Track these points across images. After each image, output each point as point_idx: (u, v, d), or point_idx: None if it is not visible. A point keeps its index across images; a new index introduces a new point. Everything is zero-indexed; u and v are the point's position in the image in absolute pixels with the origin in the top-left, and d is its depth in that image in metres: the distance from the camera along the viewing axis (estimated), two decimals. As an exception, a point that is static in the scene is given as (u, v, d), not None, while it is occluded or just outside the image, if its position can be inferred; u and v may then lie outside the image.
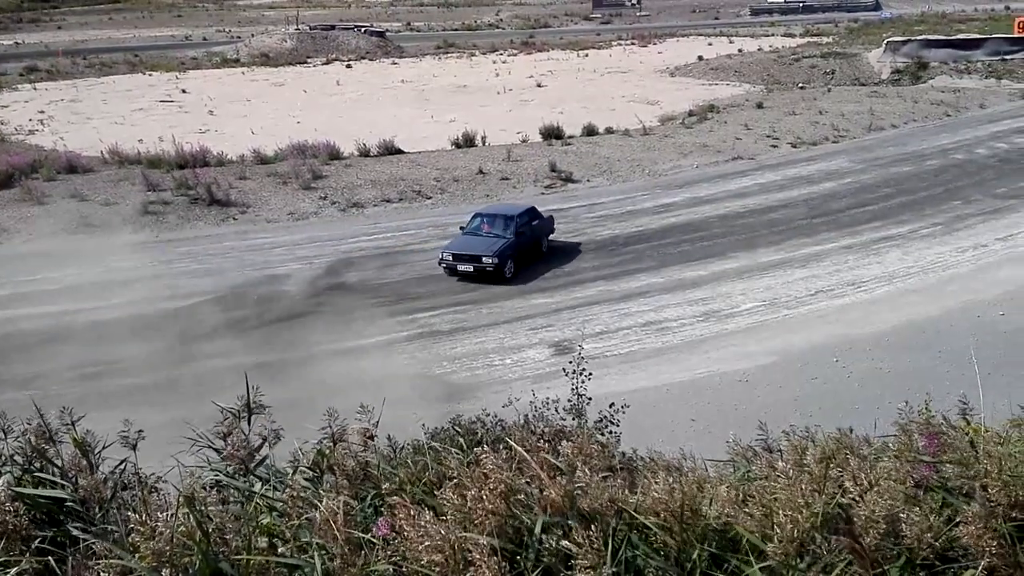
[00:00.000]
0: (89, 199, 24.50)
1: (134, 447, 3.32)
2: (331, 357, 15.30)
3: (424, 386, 14.17)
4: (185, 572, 2.28)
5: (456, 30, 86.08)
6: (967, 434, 2.57)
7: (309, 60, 63.19)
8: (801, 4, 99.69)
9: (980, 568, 2.07)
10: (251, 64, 61.21)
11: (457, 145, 31.29)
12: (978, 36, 53.13)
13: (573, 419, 6.18)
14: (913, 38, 53.08)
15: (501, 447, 2.87)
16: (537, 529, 2.30)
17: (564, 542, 2.24)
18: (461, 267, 18.94)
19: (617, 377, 13.88)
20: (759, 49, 59.81)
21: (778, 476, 2.40)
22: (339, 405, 3.39)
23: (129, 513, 2.50)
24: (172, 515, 2.44)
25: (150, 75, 55.21)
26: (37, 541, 2.55)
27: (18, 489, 2.74)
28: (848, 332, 15.72)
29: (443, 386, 14.21)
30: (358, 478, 2.73)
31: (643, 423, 10.25)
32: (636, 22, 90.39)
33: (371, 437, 3.12)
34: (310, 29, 74.47)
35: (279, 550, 2.42)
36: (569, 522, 2.32)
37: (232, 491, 2.99)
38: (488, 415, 5.84)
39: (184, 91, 47.24)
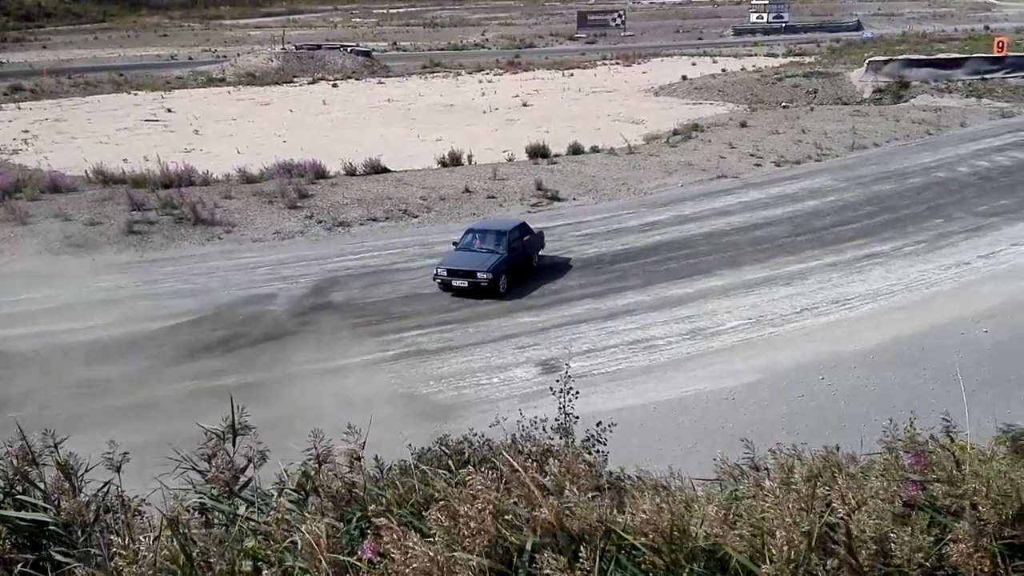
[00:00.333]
0: (73, 219, 24.37)
1: (118, 469, 3.28)
2: (317, 377, 15.22)
3: (411, 406, 14.12)
4: (168, 597, 2.26)
5: (442, 50, 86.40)
6: (952, 452, 2.58)
7: (295, 80, 63.25)
8: (783, 24, 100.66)
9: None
10: (237, 83, 61.20)
11: (443, 164, 31.34)
12: (958, 56, 53.81)
13: (560, 438, 6.16)
14: (894, 58, 53.70)
15: (488, 467, 2.85)
16: (528, 548, 2.29)
17: (553, 563, 2.22)
18: (456, 282, 19.02)
19: (604, 395, 13.88)
20: (742, 69, 60.34)
21: (766, 495, 2.40)
22: (325, 425, 3.37)
23: (112, 537, 2.47)
24: (155, 539, 2.41)
25: (135, 94, 55.11)
26: (19, 565, 2.52)
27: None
28: (833, 349, 15.78)
29: (430, 406, 14.17)
30: (344, 500, 2.71)
31: (630, 441, 10.24)
32: (620, 42, 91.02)
33: (357, 458, 3.09)
34: (296, 49, 74.59)
35: (263, 574, 2.40)
36: (559, 543, 2.31)
37: (216, 514, 2.96)
38: (475, 435, 5.82)
39: (169, 110, 47.16)
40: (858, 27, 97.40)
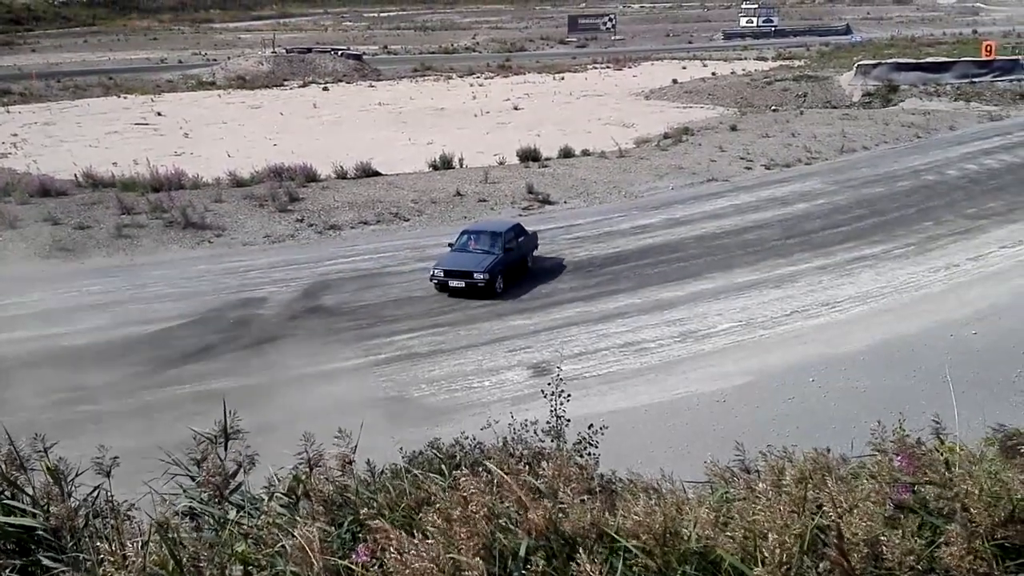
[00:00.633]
0: (62, 223, 24.25)
1: (108, 474, 3.27)
2: (308, 380, 15.19)
3: (402, 409, 14.10)
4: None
5: (433, 53, 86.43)
6: (943, 454, 2.59)
7: (286, 83, 63.15)
8: (773, 28, 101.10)
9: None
10: (227, 87, 61.07)
11: (435, 167, 31.32)
12: (947, 59, 54.11)
13: (552, 441, 6.17)
14: (883, 61, 53.95)
15: (481, 470, 2.85)
16: (522, 552, 2.28)
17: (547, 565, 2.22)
18: (453, 283, 19.11)
19: (596, 398, 13.88)
20: (732, 73, 60.53)
21: (757, 497, 2.40)
22: (316, 429, 3.36)
23: (100, 542, 2.45)
24: (144, 544, 2.40)
25: (125, 98, 54.92)
26: (8, 570, 2.50)
27: (-14, 518, 2.69)
28: (824, 352, 15.83)
29: (421, 409, 14.14)
30: (335, 504, 2.70)
31: (621, 444, 10.25)
32: (611, 46, 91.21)
33: (349, 462, 3.09)
34: (287, 52, 74.45)
35: (255, 578, 2.39)
36: (552, 545, 2.30)
37: (207, 518, 2.95)
38: (467, 438, 5.81)
39: (159, 114, 47.01)
40: (847, 31, 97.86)
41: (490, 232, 20.66)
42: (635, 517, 2.33)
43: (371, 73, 68.26)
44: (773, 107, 46.42)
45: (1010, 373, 14.32)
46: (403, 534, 2.28)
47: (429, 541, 2.23)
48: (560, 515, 2.39)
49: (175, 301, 19.17)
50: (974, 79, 49.47)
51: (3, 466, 3.10)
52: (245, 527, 2.71)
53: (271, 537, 2.48)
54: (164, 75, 67.64)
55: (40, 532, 2.75)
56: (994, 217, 24.31)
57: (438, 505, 2.44)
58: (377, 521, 2.39)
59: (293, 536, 2.37)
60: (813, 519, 2.26)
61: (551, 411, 7.02)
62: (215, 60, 74.69)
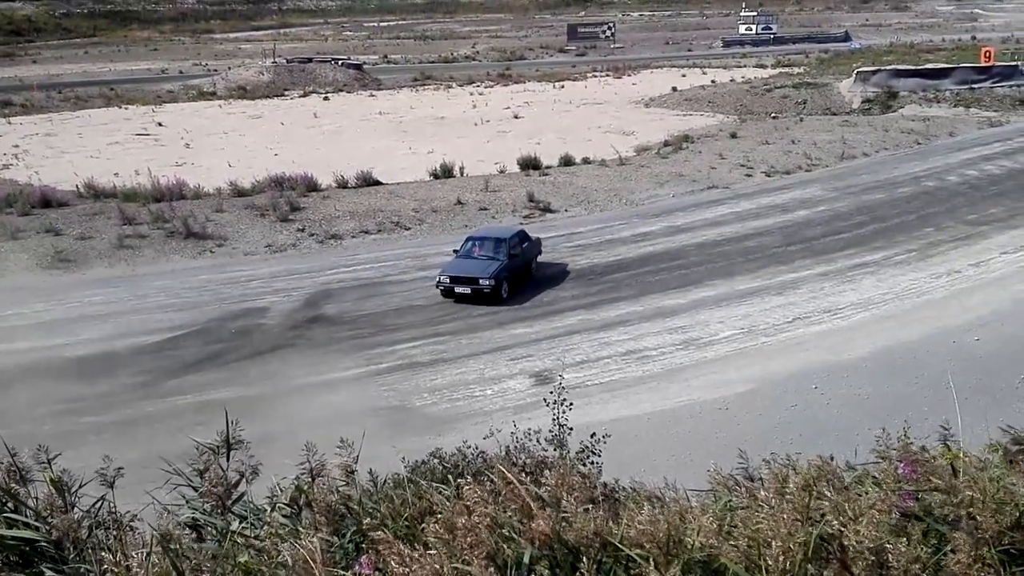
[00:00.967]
0: (64, 233, 24.28)
1: (111, 485, 3.26)
2: (310, 390, 15.18)
3: (404, 418, 14.08)
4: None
5: (433, 62, 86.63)
6: (949, 461, 2.58)
7: (286, 93, 63.28)
8: (772, 36, 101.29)
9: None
10: (228, 97, 61.19)
11: (435, 176, 31.36)
12: (946, 66, 54.19)
13: (555, 450, 6.15)
14: (883, 68, 54.05)
15: (483, 480, 2.84)
16: (526, 559, 2.28)
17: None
18: (459, 289, 19.19)
19: (598, 407, 13.86)
20: (732, 80, 60.64)
21: (760, 505, 2.39)
22: (318, 439, 3.36)
23: (103, 553, 2.45)
24: (147, 555, 2.39)
25: (126, 108, 55.04)
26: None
27: (-12, 531, 2.68)
28: (826, 359, 15.81)
29: (423, 418, 14.13)
30: (338, 514, 2.69)
31: (624, 452, 10.23)
32: (611, 54, 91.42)
33: (351, 471, 3.08)
34: (287, 62, 74.65)
35: (258, 589, 2.38)
36: (556, 555, 2.30)
37: (209, 529, 2.94)
38: (469, 447, 5.80)
39: (160, 124, 47.11)
40: (846, 38, 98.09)
41: (495, 238, 20.75)
42: (638, 526, 2.32)
43: (371, 82, 68.42)
44: (773, 114, 46.48)
45: (1013, 379, 14.30)
46: (406, 545, 2.27)
47: (432, 552, 2.22)
48: (563, 524, 2.38)
49: (177, 311, 19.18)
50: (973, 85, 49.54)
51: (4, 478, 3.09)
52: (248, 538, 2.70)
53: (274, 548, 2.48)
54: (165, 86, 67.83)
55: (43, 544, 2.74)
56: (995, 223, 24.31)
57: (441, 515, 2.43)
58: (380, 532, 2.38)
59: (295, 547, 2.36)
60: (817, 527, 2.25)
61: (553, 420, 6.99)
62: (216, 70, 74.88)
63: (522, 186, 29.21)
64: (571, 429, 6.96)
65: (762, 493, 2.54)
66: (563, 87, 62.40)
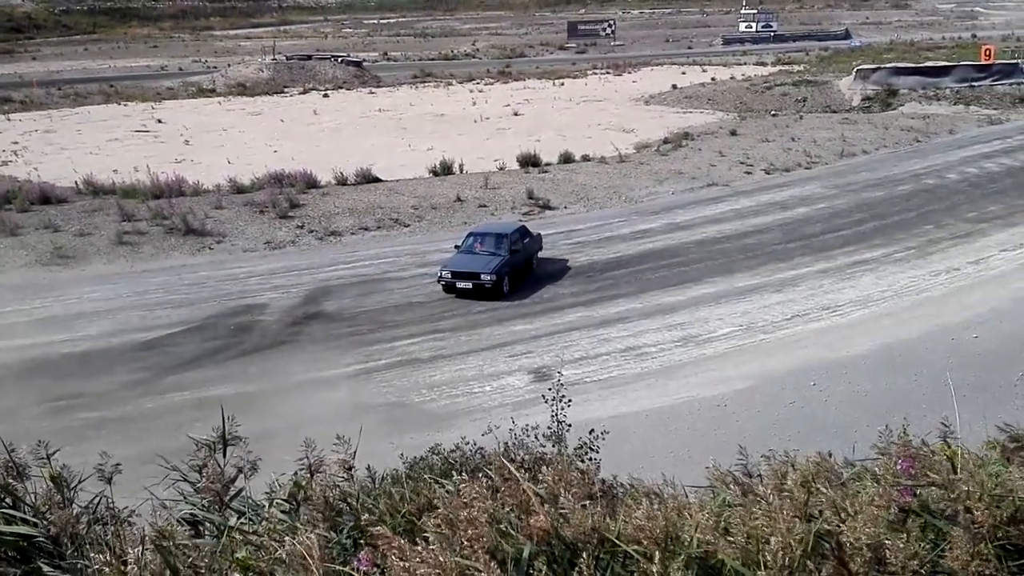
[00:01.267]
0: (63, 230, 24.28)
1: (109, 481, 3.26)
2: (309, 387, 15.19)
3: (403, 415, 14.09)
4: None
5: (433, 60, 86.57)
6: (948, 457, 2.58)
7: (286, 90, 63.25)
8: (772, 34, 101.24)
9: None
10: (227, 94, 61.15)
11: (435, 173, 31.36)
12: (946, 63, 54.17)
13: (553, 446, 6.16)
14: (882, 66, 54.02)
15: (481, 476, 2.84)
16: (526, 555, 2.28)
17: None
18: (460, 284, 19.24)
19: (596, 403, 13.87)
20: (732, 78, 60.59)
21: (759, 502, 2.39)
22: (317, 435, 3.35)
23: (92, 553, 2.45)
24: (142, 551, 2.39)
25: (125, 105, 54.99)
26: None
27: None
28: (825, 356, 15.82)
29: (422, 415, 14.13)
30: (336, 510, 2.69)
31: (622, 449, 10.24)
32: (611, 51, 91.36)
33: (349, 468, 3.08)
34: (287, 59, 74.59)
35: (255, 585, 2.38)
36: (554, 551, 2.30)
37: (207, 525, 2.94)
38: (467, 443, 5.81)
39: (160, 121, 47.08)
40: (846, 36, 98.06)
41: (496, 234, 20.79)
42: (636, 522, 2.32)
43: (371, 79, 68.38)
44: (773, 112, 46.47)
45: (1011, 376, 14.30)
46: (405, 540, 2.27)
47: (432, 547, 2.22)
48: (561, 520, 2.38)
49: (176, 308, 19.18)
50: (973, 83, 49.52)
51: (3, 474, 3.09)
52: (245, 533, 2.70)
53: (272, 543, 2.48)
54: (164, 82, 67.78)
55: (40, 540, 2.74)
56: (994, 221, 24.32)
57: (440, 510, 2.43)
58: (379, 527, 2.38)
59: (293, 542, 2.36)
60: (815, 524, 2.25)
61: (552, 416, 7.01)
62: (215, 67, 74.84)
63: (522, 183, 29.21)
64: (569, 426, 6.98)
65: (760, 489, 2.54)
66: (563, 84, 62.36)
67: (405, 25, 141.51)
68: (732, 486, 2.82)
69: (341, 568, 2.29)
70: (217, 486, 2.97)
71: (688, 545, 2.27)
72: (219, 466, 3.13)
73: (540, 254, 21.83)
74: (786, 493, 2.44)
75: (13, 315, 18.71)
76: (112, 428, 13.54)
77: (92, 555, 2.45)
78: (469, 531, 2.27)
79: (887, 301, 18.54)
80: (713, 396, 14.38)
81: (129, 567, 2.27)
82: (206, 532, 2.89)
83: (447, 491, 2.72)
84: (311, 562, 2.23)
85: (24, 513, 2.86)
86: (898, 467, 2.48)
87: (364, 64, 74.86)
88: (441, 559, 2.15)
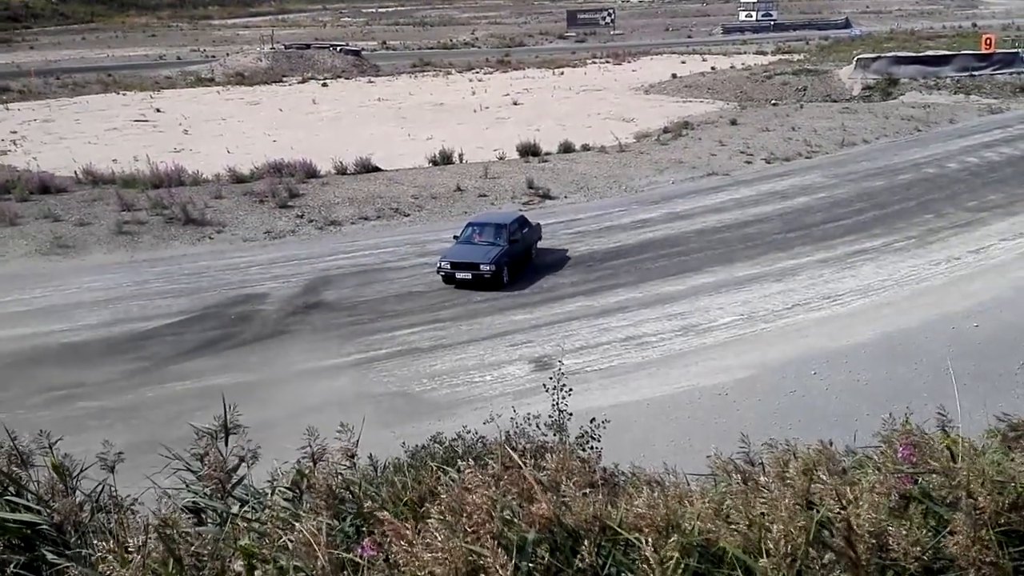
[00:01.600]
0: (63, 219, 24.26)
1: (112, 469, 3.27)
2: (309, 376, 15.20)
3: (404, 404, 14.11)
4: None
5: (432, 49, 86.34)
6: (947, 445, 2.59)
7: (284, 79, 63.10)
8: (772, 22, 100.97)
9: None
10: (226, 83, 61.02)
11: (434, 162, 31.32)
12: (946, 52, 54.06)
13: (554, 435, 6.17)
14: (883, 55, 53.91)
15: (482, 464, 2.85)
16: (531, 540, 2.29)
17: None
18: (459, 275, 19.20)
19: (597, 392, 13.89)
20: (732, 67, 60.47)
21: (760, 490, 2.40)
22: (318, 424, 3.36)
23: (96, 541, 2.45)
24: (145, 539, 2.40)
25: (124, 95, 54.88)
26: (12, 566, 2.50)
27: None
28: (825, 345, 15.83)
29: (423, 404, 14.16)
30: (339, 498, 2.70)
31: (623, 438, 10.27)
32: (610, 40, 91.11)
33: (352, 456, 3.09)
34: (285, 48, 74.41)
35: (257, 572, 2.39)
36: (555, 538, 2.31)
37: (210, 512, 2.95)
38: (469, 432, 5.83)
39: (158, 110, 46.99)
40: (846, 25, 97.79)
41: (495, 224, 20.73)
42: (637, 510, 2.33)
43: (370, 69, 68.21)
44: (773, 101, 46.38)
45: (1012, 365, 14.32)
46: (410, 526, 2.28)
47: (435, 534, 2.23)
48: (563, 508, 2.39)
49: (176, 297, 19.18)
50: (974, 72, 49.41)
51: (6, 463, 3.10)
52: (248, 521, 2.71)
53: (275, 531, 2.49)
54: (163, 72, 67.60)
55: (44, 527, 2.75)
56: (995, 210, 24.30)
57: (443, 497, 2.44)
58: (383, 513, 2.38)
59: (299, 529, 2.37)
60: (818, 511, 2.26)
61: (553, 405, 7.02)
62: (214, 56, 74.60)
63: (521, 173, 29.16)
64: (571, 414, 7.00)
65: (762, 478, 2.54)
66: (562, 74, 62.22)
67: (404, 14, 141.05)
68: (733, 474, 2.83)
69: (345, 555, 2.30)
70: (220, 474, 2.98)
71: (689, 533, 2.28)
72: (221, 454, 3.13)
73: (539, 244, 21.83)
74: (788, 481, 2.44)
75: (13, 305, 18.71)
76: (113, 417, 13.56)
77: (96, 543, 2.45)
78: (473, 518, 2.27)
79: (887, 290, 18.54)
80: (714, 385, 14.41)
81: (132, 555, 2.27)
82: (209, 520, 2.90)
83: (450, 479, 2.73)
84: (317, 548, 2.24)
85: (28, 501, 2.87)
86: (899, 455, 2.49)
87: (363, 53, 74.67)
88: (449, 544, 2.16)
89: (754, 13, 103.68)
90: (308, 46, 75.41)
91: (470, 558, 2.16)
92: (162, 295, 19.35)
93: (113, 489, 3.18)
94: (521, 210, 24.71)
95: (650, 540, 2.23)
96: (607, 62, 69.52)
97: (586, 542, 2.24)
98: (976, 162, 30.73)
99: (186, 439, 3.46)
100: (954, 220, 23.53)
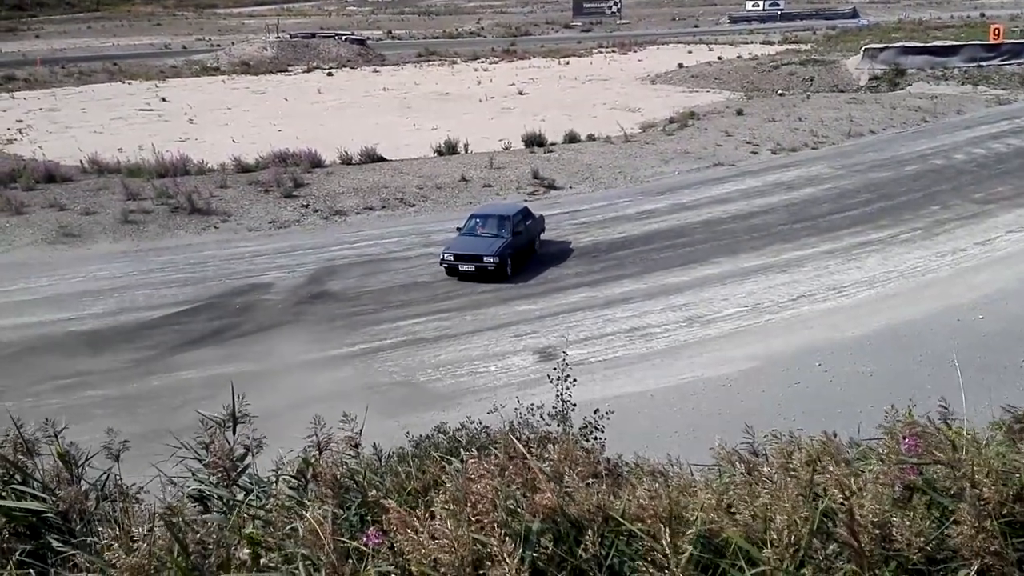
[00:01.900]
0: (68, 208, 24.29)
1: (117, 457, 3.28)
2: (314, 366, 15.23)
3: (408, 394, 14.13)
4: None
5: (437, 38, 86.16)
6: (950, 437, 2.59)
7: (290, 68, 63.01)
8: (779, 12, 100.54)
9: (975, 569, 2.08)
10: (231, 72, 60.96)
11: (439, 152, 31.27)
12: (954, 43, 53.76)
13: (558, 425, 6.18)
14: (890, 45, 53.63)
15: (486, 454, 2.85)
16: (535, 529, 2.29)
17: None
18: (463, 267, 19.17)
19: (601, 383, 13.89)
20: (738, 57, 60.23)
21: (764, 481, 2.40)
22: (322, 414, 3.37)
23: (100, 528, 2.47)
24: (151, 527, 2.41)
25: (129, 83, 54.86)
26: (17, 554, 2.52)
27: (-4, 502, 2.70)
28: (830, 336, 15.81)
29: (427, 394, 14.18)
30: (343, 487, 2.71)
31: (627, 429, 10.27)
32: (616, 30, 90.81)
33: (356, 445, 3.09)
34: (291, 37, 74.27)
35: (263, 560, 2.40)
36: (559, 528, 2.31)
37: (215, 501, 2.96)
38: (473, 422, 5.84)
39: (164, 99, 46.97)
40: (854, 14, 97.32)
41: (498, 216, 20.67)
42: (640, 500, 2.33)
43: (375, 58, 68.09)
44: (779, 91, 46.20)
45: (1017, 358, 14.29)
46: (415, 515, 2.29)
47: (440, 522, 2.24)
48: (567, 498, 2.39)
49: (181, 287, 19.22)
50: (982, 63, 49.13)
51: (12, 451, 3.11)
52: (254, 509, 2.72)
53: (281, 519, 2.50)
54: (168, 61, 67.56)
55: (50, 516, 2.76)
56: (1001, 201, 24.21)
57: (448, 486, 2.44)
58: (389, 502, 2.39)
59: (303, 518, 2.38)
60: (822, 502, 2.26)
61: (557, 396, 7.02)
62: (219, 46, 74.54)
63: (527, 163, 29.11)
64: (575, 405, 6.99)
65: (766, 469, 2.55)
66: (568, 63, 62.03)
67: (409, 3, 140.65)
68: (738, 465, 2.83)
69: (350, 542, 2.31)
70: (225, 462, 2.98)
71: (691, 523, 2.28)
72: (228, 443, 3.14)
73: (543, 235, 21.79)
74: (792, 472, 2.44)
75: (19, 293, 18.77)
76: (118, 406, 13.60)
77: (101, 531, 2.46)
78: (477, 507, 2.28)
79: (893, 282, 18.50)
80: (718, 376, 14.40)
81: (138, 543, 2.28)
82: (214, 508, 2.91)
83: (454, 469, 2.73)
84: (322, 537, 2.25)
85: (34, 489, 2.88)
86: (903, 446, 2.48)
87: (368, 43, 74.53)
88: (456, 533, 2.17)
89: (761, 2, 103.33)
90: (313, 35, 75.28)
91: (476, 547, 2.16)
92: (167, 284, 19.39)
93: (118, 477, 3.20)
94: (526, 200, 24.68)
95: (653, 530, 2.23)
96: (613, 52, 69.31)
97: (590, 532, 2.24)
98: (983, 153, 30.59)
99: (191, 428, 3.47)
100: (960, 212, 23.45)
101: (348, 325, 17.12)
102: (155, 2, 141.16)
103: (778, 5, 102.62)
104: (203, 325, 17.22)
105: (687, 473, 3.10)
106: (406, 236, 22.74)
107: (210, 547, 2.43)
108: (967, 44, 52.19)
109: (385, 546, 2.27)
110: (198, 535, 2.46)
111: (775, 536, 2.13)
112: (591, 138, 33.45)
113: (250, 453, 3.16)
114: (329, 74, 59.35)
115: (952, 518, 2.17)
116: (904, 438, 2.51)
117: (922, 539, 2.10)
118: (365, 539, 2.30)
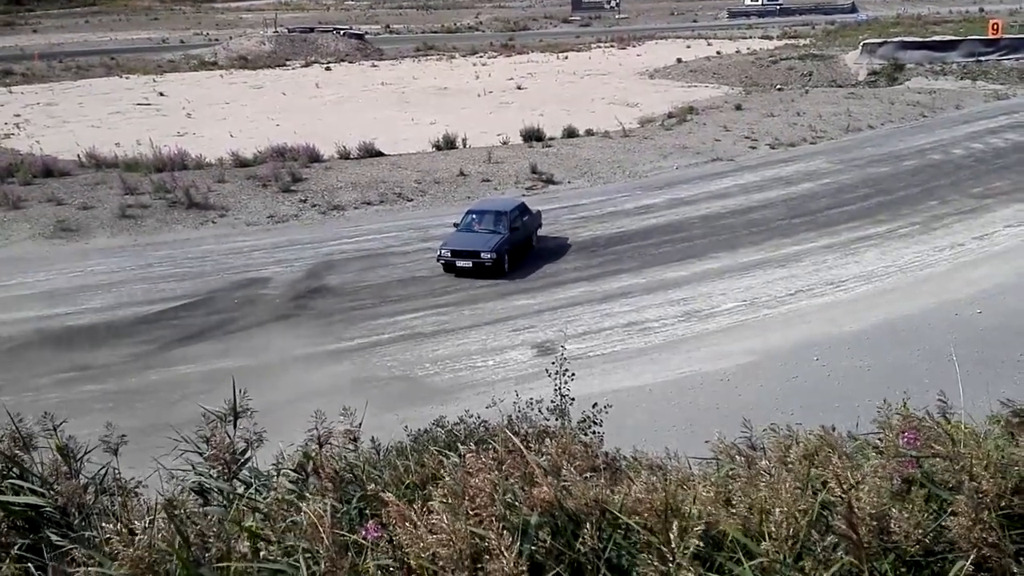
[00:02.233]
0: (66, 203, 24.25)
1: (115, 452, 3.28)
2: (313, 360, 15.23)
3: (406, 388, 14.14)
4: (166, 577, 2.26)
5: (435, 32, 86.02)
6: (948, 431, 2.59)
7: (288, 63, 62.89)
8: (778, 7, 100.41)
9: (971, 559, 2.08)
10: (229, 67, 60.83)
11: (438, 147, 31.24)
12: (953, 38, 53.70)
13: (556, 419, 6.19)
14: (889, 40, 53.58)
15: (485, 447, 2.86)
16: (532, 521, 2.30)
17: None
18: (460, 263, 19.12)
19: (600, 377, 13.90)
20: (737, 51, 60.15)
21: (762, 474, 2.41)
22: (321, 408, 3.37)
23: (99, 523, 2.47)
24: (151, 520, 2.41)
25: (127, 78, 54.73)
26: (16, 548, 2.52)
27: (-6, 496, 2.70)
28: (828, 331, 15.83)
29: (426, 388, 14.19)
30: (343, 480, 2.71)
31: (625, 423, 10.29)
32: (615, 25, 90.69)
33: (355, 439, 3.10)
34: (289, 31, 74.15)
35: (262, 553, 2.40)
36: (557, 521, 2.32)
37: (216, 494, 2.96)
38: (471, 416, 5.85)
39: (162, 94, 46.87)
40: (853, 9, 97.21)
41: (495, 211, 20.64)
42: (637, 494, 2.34)
43: (373, 53, 67.97)
44: (778, 86, 46.16)
45: (1015, 352, 14.32)
46: (413, 508, 2.29)
47: (438, 516, 2.24)
48: (564, 492, 2.40)
49: (179, 281, 19.20)
50: (980, 57, 49.13)
51: (10, 445, 3.11)
52: (254, 502, 2.72)
53: (281, 512, 2.50)
54: (166, 55, 67.44)
55: (48, 510, 2.76)
56: (999, 196, 24.23)
57: (446, 480, 2.45)
58: (388, 495, 2.40)
59: (305, 511, 2.38)
60: (820, 495, 2.26)
61: (555, 390, 7.03)
62: (217, 40, 74.38)
63: (525, 158, 29.09)
64: (573, 399, 7.01)
65: (764, 462, 2.55)
66: (567, 58, 61.94)
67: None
68: (736, 458, 2.84)
69: (349, 536, 2.31)
70: (226, 456, 2.99)
71: (689, 517, 2.29)
72: (228, 436, 3.14)
73: (540, 230, 21.78)
74: (789, 465, 2.45)
75: (17, 288, 18.75)
76: (117, 400, 13.61)
77: (100, 525, 2.47)
78: (475, 501, 2.28)
79: (891, 276, 18.52)
80: (716, 371, 14.42)
81: (138, 535, 2.29)
82: (214, 501, 2.92)
83: (452, 462, 2.74)
84: (322, 530, 2.25)
85: (32, 483, 2.88)
86: (902, 440, 2.49)
87: (366, 37, 74.40)
88: (454, 527, 2.17)
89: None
90: (312, 30, 75.16)
91: (474, 540, 2.17)
92: (165, 279, 19.38)
93: (117, 472, 3.20)
94: (525, 195, 24.66)
95: (650, 524, 2.24)
96: (612, 46, 69.21)
97: (587, 526, 2.25)
98: (981, 148, 30.60)
99: (190, 422, 3.47)
100: (958, 206, 23.46)
101: (346, 320, 17.12)
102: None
103: (777, 0, 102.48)
104: (201, 320, 17.22)
105: (685, 467, 3.11)
106: (404, 231, 22.72)
107: (210, 539, 2.43)
108: (966, 39, 52.14)
109: (384, 539, 2.28)
110: (198, 527, 2.47)
111: (773, 529, 2.13)
112: (589, 133, 33.43)
113: (250, 447, 3.17)
114: (327, 68, 59.23)
115: (950, 510, 2.18)
116: (903, 432, 2.52)
117: (920, 531, 2.11)
118: (364, 532, 2.31)
